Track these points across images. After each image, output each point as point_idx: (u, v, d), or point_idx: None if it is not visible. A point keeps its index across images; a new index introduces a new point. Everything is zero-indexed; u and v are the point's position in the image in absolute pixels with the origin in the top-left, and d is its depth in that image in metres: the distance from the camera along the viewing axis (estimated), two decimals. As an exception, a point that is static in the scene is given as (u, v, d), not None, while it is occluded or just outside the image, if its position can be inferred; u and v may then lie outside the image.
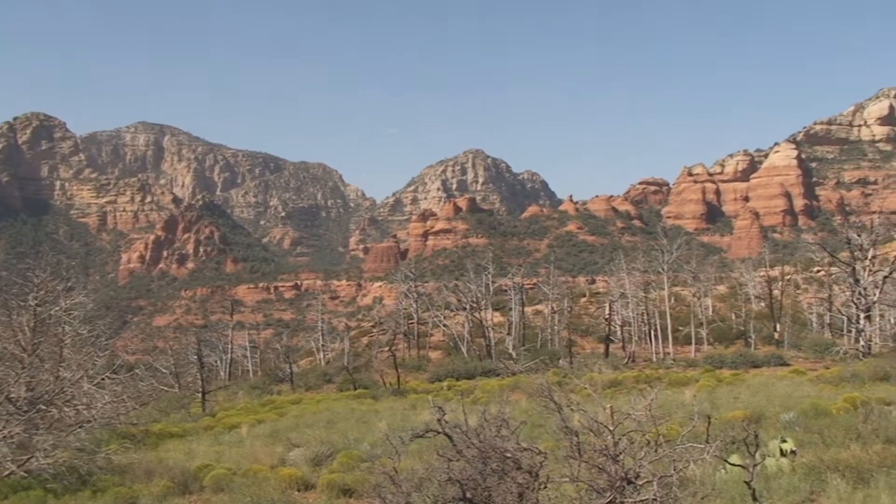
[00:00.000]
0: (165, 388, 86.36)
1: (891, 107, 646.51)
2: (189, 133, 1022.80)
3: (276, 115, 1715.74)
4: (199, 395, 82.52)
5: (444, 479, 18.29)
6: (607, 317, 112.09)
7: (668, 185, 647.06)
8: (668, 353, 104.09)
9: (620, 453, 17.23)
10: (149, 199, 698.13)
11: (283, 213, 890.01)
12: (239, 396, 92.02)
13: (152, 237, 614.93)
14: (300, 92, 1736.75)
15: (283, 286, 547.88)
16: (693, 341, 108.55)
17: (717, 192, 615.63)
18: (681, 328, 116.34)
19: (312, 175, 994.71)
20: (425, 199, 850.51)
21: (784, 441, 28.12)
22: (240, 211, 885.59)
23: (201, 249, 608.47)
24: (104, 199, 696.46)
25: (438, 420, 19.51)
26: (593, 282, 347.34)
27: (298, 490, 32.64)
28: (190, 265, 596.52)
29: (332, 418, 55.22)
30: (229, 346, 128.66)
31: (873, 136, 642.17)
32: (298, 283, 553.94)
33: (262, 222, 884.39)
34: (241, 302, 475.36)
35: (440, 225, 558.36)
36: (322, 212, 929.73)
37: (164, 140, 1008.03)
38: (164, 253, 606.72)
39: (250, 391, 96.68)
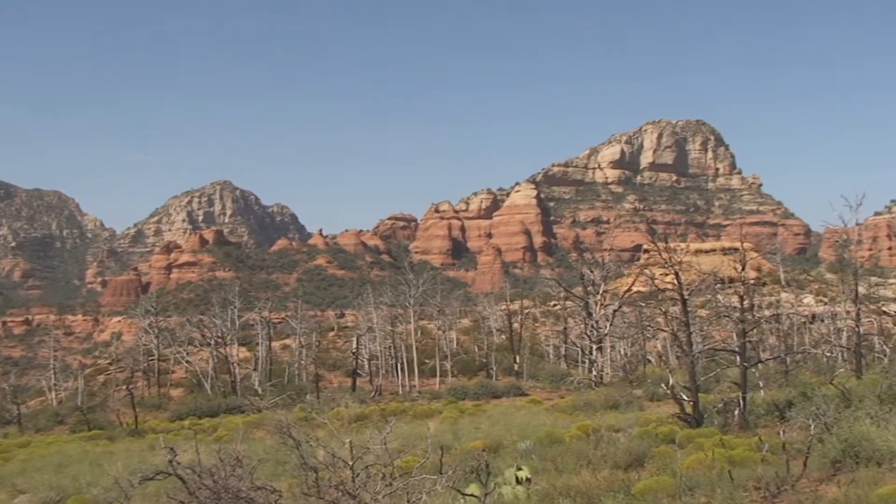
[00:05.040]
0: None
1: (622, 151, 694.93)
2: None
3: (5, 137, 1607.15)
4: (-88, 441, 75.71)
5: (175, 522, 17.44)
6: (355, 350, 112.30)
7: (416, 220, 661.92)
8: (414, 386, 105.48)
9: (359, 488, 17.03)
10: None
11: (13, 244, 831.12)
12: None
13: None
14: (31, 112, 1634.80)
15: (11, 321, 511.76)
16: (438, 374, 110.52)
17: (463, 229, 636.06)
18: (426, 361, 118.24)
19: (47, 203, 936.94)
20: (170, 230, 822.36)
21: (520, 469, 28.90)
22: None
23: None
24: None
25: (170, 461, 18.60)
26: (342, 315, 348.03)
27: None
28: None
29: (64, 461, 52.17)
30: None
31: (606, 178, 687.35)
32: (29, 317, 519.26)
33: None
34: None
35: (185, 257, 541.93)
36: (57, 242, 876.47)
37: None
38: None
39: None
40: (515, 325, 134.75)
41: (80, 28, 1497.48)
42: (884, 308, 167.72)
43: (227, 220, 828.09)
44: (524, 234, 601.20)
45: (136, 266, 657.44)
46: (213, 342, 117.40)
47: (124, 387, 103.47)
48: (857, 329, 66.17)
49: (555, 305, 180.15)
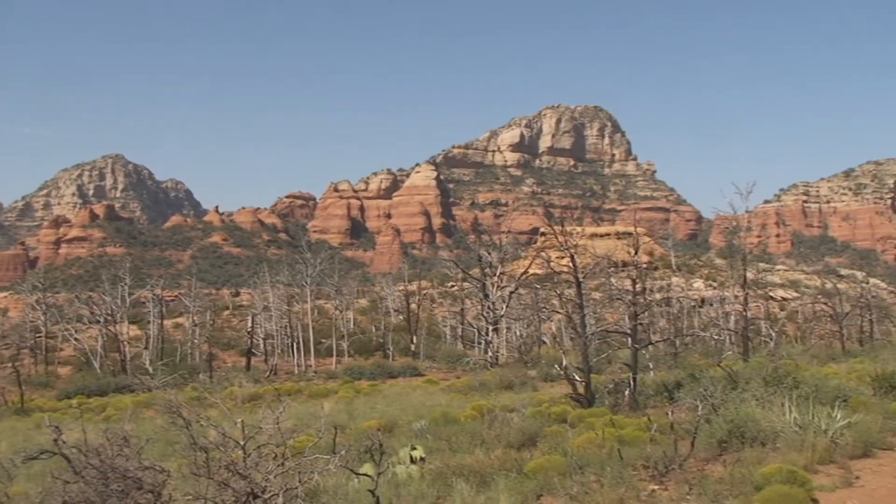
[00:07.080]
0: None
1: (521, 135, 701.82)
2: None
3: None
4: None
5: (59, 503, 16.96)
6: (250, 330, 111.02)
7: (314, 199, 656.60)
8: (311, 366, 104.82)
9: (250, 468, 16.79)
10: None
11: None
12: None
13: None
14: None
15: None
16: (335, 353, 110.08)
17: (362, 209, 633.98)
18: (323, 340, 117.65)
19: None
20: (59, 204, 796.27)
21: (414, 449, 28.96)
22: None
23: None
24: None
25: (56, 440, 18.07)
26: (237, 294, 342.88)
27: None
28: None
29: (-57, 442, 50.26)
30: None
31: (505, 161, 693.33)
32: None
33: None
34: None
35: (74, 232, 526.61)
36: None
37: None
38: None
39: None
40: (413, 306, 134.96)
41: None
42: (770, 293, 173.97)
43: (118, 194, 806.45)
44: (423, 215, 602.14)
45: (24, 240, 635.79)
46: (102, 319, 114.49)
47: (10, 364, 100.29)
48: (744, 313, 68.21)
49: (452, 287, 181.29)
